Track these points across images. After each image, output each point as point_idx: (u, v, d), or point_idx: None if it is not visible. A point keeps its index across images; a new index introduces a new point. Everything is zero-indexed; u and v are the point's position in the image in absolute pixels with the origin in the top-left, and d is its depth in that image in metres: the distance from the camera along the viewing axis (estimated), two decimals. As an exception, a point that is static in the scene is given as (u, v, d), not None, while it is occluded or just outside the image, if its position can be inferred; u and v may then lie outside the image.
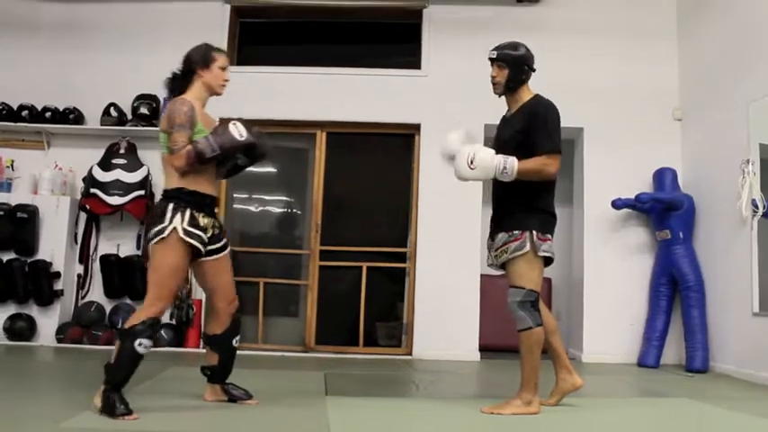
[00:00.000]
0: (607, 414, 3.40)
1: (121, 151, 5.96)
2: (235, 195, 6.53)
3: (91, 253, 6.00)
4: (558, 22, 6.21)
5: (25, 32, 6.34)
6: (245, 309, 6.13)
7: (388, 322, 6.22)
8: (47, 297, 5.74)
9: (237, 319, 3.21)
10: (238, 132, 2.98)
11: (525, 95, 3.32)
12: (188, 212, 2.93)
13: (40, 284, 5.71)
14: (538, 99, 3.30)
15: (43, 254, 5.80)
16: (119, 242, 5.99)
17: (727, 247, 5.23)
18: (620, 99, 6.10)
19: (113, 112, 6.02)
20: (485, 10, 6.29)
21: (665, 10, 6.27)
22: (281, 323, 6.34)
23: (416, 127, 6.19)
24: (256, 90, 6.13)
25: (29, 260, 5.75)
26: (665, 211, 5.68)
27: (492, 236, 3.30)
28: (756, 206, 4.80)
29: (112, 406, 2.71)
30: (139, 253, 5.83)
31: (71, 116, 6.09)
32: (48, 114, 6.06)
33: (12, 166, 6.04)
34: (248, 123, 3.07)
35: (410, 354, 5.90)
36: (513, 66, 3.27)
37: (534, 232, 3.13)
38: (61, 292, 5.81)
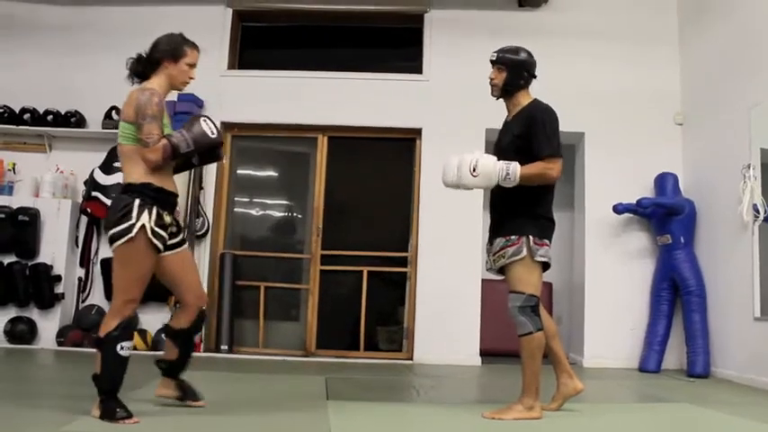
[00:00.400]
0: (608, 419, 3.39)
1: (123, 154, 5.96)
2: (236, 199, 6.53)
3: (92, 256, 6.00)
4: (560, 27, 6.22)
5: (27, 35, 6.35)
6: (246, 313, 6.17)
7: (388, 327, 6.22)
8: (47, 300, 5.74)
9: (203, 314, 3.11)
10: (209, 129, 2.89)
11: (524, 100, 3.32)
12: (155, 210, 2.79)
13: (40, 288, 5.71)
14: (536, 103, 3.30)
15: (44, 257, 5.80)
16: (119, 245, 5.99)
17: (728, 252, 5.22)
18: (621, 104, 6.10)
19: (115, 116, 6.02)
20: (486, 14, 6.30)
21: (667, 15, 6.28)
22: (281, 327, 6.33)
23: (417, 131, 6.18)
24: (257, 94, 6.15)
25: (30, 263, 5.76)
26: (666, 215, 5.68)
27: (490, 240, 3.30)
28: (758, 211, 4.80)
29: (112, 411, 2.69)
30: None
31: (73, 119, 6.10)
32: (49, 117, 6.07)
33: (13, 169, 6.06)
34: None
35: (411, 358, 5.89)
36: (512, 69, 3.27)
37: (531, 237, 3.13)
38: (62, 296, 5.81)
